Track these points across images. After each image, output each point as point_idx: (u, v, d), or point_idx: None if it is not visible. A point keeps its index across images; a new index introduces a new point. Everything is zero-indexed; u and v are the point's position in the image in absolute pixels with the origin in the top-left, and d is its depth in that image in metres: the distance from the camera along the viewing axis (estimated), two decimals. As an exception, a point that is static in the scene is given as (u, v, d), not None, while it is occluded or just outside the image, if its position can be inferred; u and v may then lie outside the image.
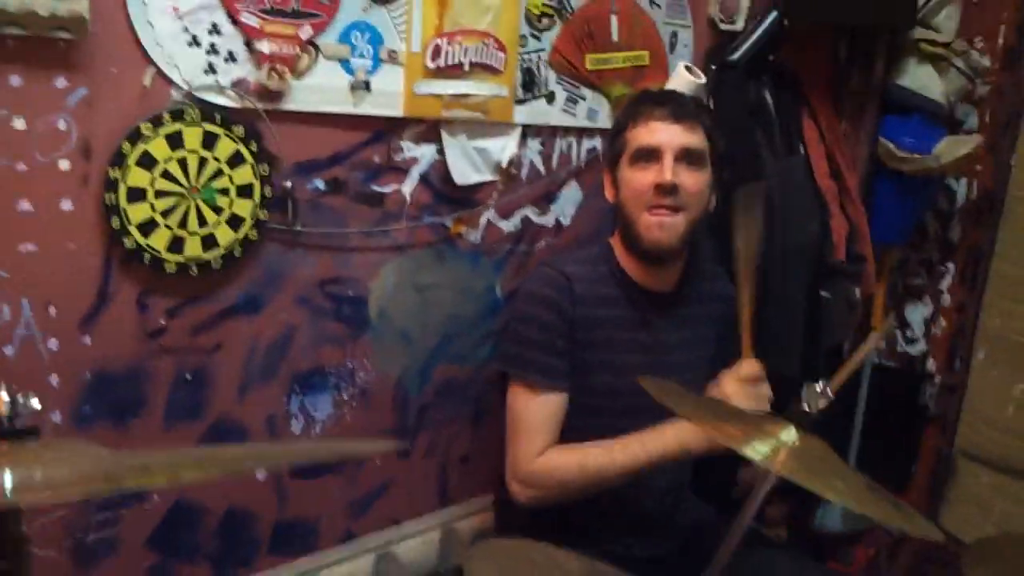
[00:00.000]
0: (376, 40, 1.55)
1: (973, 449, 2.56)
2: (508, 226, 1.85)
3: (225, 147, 1.43)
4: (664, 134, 1.52)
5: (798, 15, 2.07)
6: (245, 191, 1.47)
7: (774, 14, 2.04)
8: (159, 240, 1.40)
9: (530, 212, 1.88)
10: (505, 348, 1.63)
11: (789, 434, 0.99)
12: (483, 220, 1.81)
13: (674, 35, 1.97)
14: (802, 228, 2.11)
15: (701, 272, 1.71)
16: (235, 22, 1.40)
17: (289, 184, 1.52)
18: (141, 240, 1.38)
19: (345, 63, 1.53)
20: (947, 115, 2.33)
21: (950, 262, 2.55)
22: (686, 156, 1.52)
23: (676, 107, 1.54)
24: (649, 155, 1.53)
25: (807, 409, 0.99)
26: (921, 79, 2.26)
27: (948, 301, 2.56)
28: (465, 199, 1.77)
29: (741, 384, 1.43)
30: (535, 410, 1.55)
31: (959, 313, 2.55)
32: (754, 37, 2.04)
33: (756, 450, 0.93)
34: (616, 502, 1.55)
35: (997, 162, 2.43)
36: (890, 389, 2.57)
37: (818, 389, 0.99)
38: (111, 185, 1.34)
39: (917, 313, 2.62)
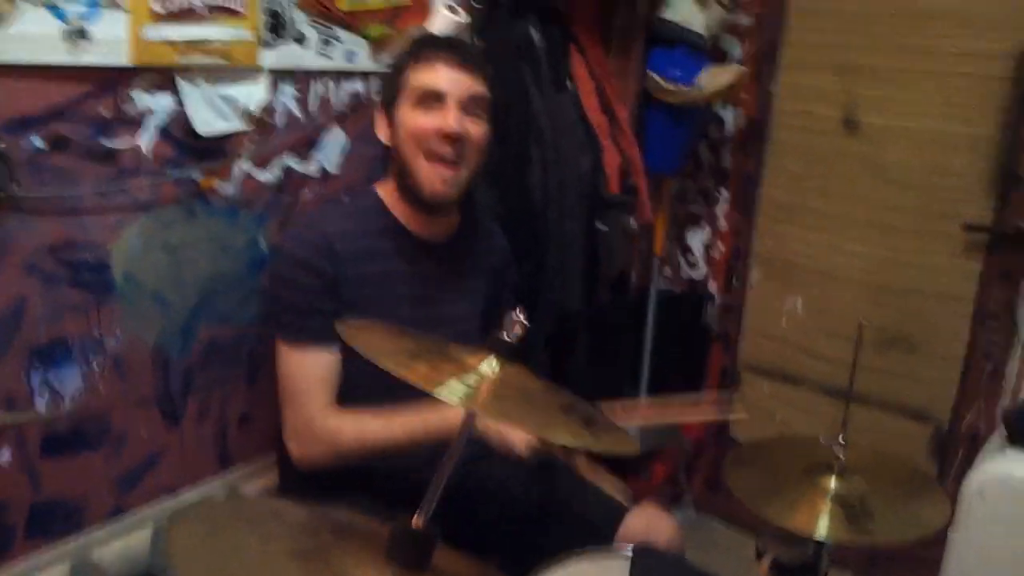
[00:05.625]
0: (89, -18, 1.42)
1: (754, 362, 2.74)
2: (267, 176, 1.77)
3: (-89, 107, 1.29)
4: (450, 79, 1.49)
5: (559, -50, 2.07)
6: (-55, 155, 1.33)
7: (535, -51, 2.03)
8: None
9: (291, 161, 1.80)
10: (268, 309, 1.60)
11: (490, 365, 1.00)
12: (237, 172, 1.72)
13: (432, -28, 1.92)
14: (575, 163, 2.14)
15: (476, 225, 1.71)
16: (-93, -35, 1.25)
17: (2, 144, 1.39)
18: None
19: (55, 8, 1.39)
20: (710, 46, 2.41)
21: (724, 188, 2.67)
22: (471, 105, 1.50)
23: (463, 53, 1.52)
24: (433, 98, 1.49)
25: (505, 337, 1.00)
26: (684, 12, 2.32)
27: (724, 226, 2.69)
28: (214, 150, 1.67)
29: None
30: (305, 371, 1.53)
31: (735, 237, 2.69)
32: (517, -27, 2.03)
33: (452, 390, 0.93)
34: (395, 468, 1.51)
35: (760, 91, 2.55)
36: (676, 313, 2.70)
37: (514, 317, 1.00)
38: None
39: (697, 239, 2.75)
